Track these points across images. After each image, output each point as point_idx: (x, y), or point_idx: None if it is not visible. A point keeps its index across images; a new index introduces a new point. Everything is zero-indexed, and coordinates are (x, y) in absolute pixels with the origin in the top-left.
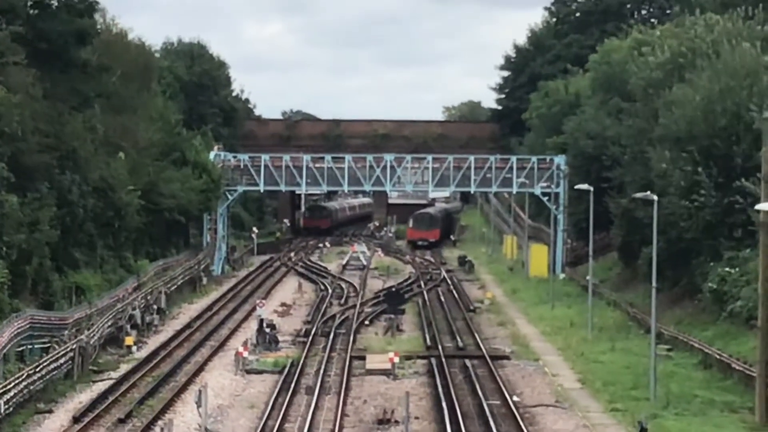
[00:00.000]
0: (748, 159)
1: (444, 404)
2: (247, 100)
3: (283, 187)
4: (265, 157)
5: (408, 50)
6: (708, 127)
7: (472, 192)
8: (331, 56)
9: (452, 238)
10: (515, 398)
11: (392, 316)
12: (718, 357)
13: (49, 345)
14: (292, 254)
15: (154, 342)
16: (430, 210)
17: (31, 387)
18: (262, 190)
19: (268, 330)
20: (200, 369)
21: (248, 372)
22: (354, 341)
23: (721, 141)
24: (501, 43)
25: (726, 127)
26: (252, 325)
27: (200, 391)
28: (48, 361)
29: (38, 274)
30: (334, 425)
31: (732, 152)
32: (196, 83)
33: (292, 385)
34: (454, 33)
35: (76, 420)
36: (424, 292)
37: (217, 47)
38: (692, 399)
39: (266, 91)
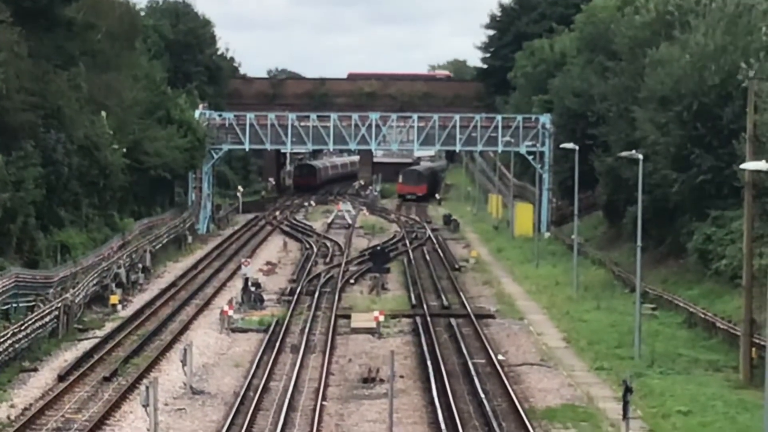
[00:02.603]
0: (738, 118)
1: (429, 363)
2: (232, 59)
3: (268, 146)
4: (250, 116)
5: (395, 9)
6: (697, 86)
7: (457, 151)
8: (318, 14)
9: (437, 196)
10: (500, 357)
11: (377, 274)
12: (702, 316)
13: (34, 303)
14: (278, 213)
15: (139, 300)
16: (417, 167)
17: (16, 345)
18: (247, 149)
19: (253, 289)
20: (185, 328)
21: (233, 331)
22: (339, 300)
23: (710, 100)
24: (488, 2)
25: (717, 86)
26: (237, 284)
27: (185, 350)
28: (33, 320)
29: (23, 233)
30: (319, 384)
31: (721, 112)
32: (181, 42)
33: (277, 344)
34: None
35: (61, 378)
36: (410, 251)
37: (203, 5)
38: (677, 358)
39: (252, 50)
